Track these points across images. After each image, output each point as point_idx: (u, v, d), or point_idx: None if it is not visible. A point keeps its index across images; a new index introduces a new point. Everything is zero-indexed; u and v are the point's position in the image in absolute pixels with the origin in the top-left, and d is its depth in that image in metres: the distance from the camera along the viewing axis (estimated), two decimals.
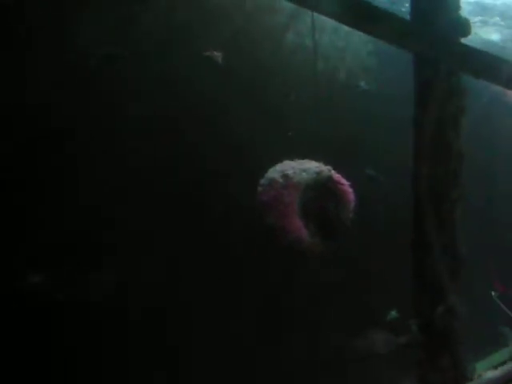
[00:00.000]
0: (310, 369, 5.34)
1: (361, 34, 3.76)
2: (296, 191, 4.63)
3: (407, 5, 3.76)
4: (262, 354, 5.13)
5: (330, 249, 4.82)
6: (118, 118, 4.64)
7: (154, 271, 4.60)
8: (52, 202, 4.29)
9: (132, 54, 4.59)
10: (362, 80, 6.80)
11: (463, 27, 3.63)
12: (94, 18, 4.51)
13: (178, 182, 4.87)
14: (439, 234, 3.52)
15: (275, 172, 4.72)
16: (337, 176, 4.88)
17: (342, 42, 6.76)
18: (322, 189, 4.80)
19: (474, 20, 7.36)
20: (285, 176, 4.65)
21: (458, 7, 3.66)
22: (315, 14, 4.75)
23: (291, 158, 4.85)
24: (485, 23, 7.78)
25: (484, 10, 7.61)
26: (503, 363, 5.89)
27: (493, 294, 7.39)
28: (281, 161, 4.82)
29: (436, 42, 3.51)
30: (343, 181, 4.91)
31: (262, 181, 4.71)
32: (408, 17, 3.62)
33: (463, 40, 3.64)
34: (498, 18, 7.92)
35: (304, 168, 4.75)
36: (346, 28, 3.49)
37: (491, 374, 5.51)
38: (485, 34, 7.70)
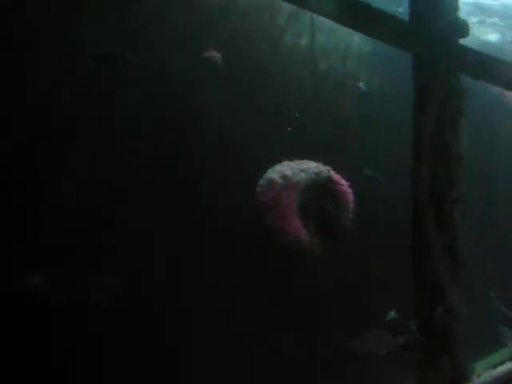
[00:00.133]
0: (309, 369, 5.35)
1: (359, 34, 3.78)
2: (295, 192, 4.64)
3: (403, 6, 3.77)
4: (261, 354, 5.13)
5: (329, 249, 4.83)
6: (118, 118, 4.64)
7: (154, 271, 4.60)
8: (52, 202, 4.29)
9: (132, 55, 4.59)
10: (361, 81, 6.81)
11: (462, 28, 3.63)
12: (93, 17, 4.51)
13: (178, 182, 4.88)
14: (439, 234, 3.52)
15: (274, 172, 4.72)
16: (336, 176, 4.89)
17: (341, 43, 6.77)
18: (321, 189, 4.81)
19: (473, 21, 7.37)
20: (284, 176, 4.65)
21: (456, 8, 3.67)
22: (314, 15, 4.77)
23: (290, 159, 4.85)
24: (483, 24, 7.79)
25: (482, 10, 7.62)
26: (503, 363, 5.89)
27: (492, 294, 7.40)
28: (280, 161, 4.82)
29: (434, 43, 3.51)
30: (342, 181, 4.91)
31: (261, 181, 4.72)
32: (406, 18, 3.62)
33: (462, 41, 3.65)
34: (496, 19, 7.93)
35: (303, 168, 4.75)
36: (344, 28, 3.48)
37: (491, 373, 5.52)
38: (482, 34, 7.71)
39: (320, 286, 5.63)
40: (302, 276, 5.54)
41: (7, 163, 4.11)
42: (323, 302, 5.60)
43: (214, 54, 5.16)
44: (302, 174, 4.71)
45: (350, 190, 4.93)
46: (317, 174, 4.78)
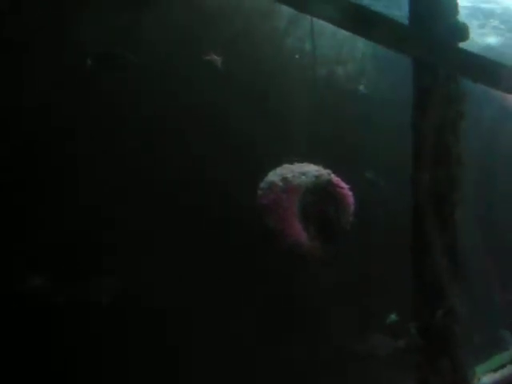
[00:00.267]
0: (309, 369, 5.35)
1: (360, 38, 3.79)
2: (296, 195, 4.65)
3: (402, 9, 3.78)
4: (261, 357, 5.14)
5: (329, 252, 4.83)
6: (118, 118, 4.65)
7: (153, 271, 4.61)
8: (52, 202, 4.29)
9: (132, 55, 4.61)
10: (361, 84, 6.82)
11: (461, 32, 3.64)
12: (94, 18, 4.53)
13: (178, 183, 4.88)
14: (439, 236, 3.53)
15: (275, 175, 4.73)
16: (336, 179, 4.90)
17: (341, 46, 6.78)
18: (321, 192, 4.82)
19: (473, 25, 7.38)
20: (284, 179, 4.67)
21: (456, 12, 3.68)
22: (314, 19, 4.79)
23: (291, 162, 4.86)
24: (483, 27, 7.80)
25: (483, 14, 7.63)
26: (503, 367, 5.89)
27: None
28: (280, 164, 4.83)
29: (434, 47, 3.52)
30: (342, 184, 4.92)
31: (262, 184, 4.73)
32: (406, 21, 3.63)
33: (461, 45, 3.66)
34: (497, 22, 7.94)
35: (303, 171, 4.77)
36: (344, 32, 3.49)
37: (491, 377, 5.52)
38: (479, 37, 7.71)
39: (320, 289, 5.63)
40: (302, 278, 5.54)
41: (7, 163, 4.12)
42: (323, 305, 5.60)
43: (215, 58, 5.18)
44: (303, 177, 4.72)
45: (350, 193, 4.94)
46: (317, 177, 4.79)
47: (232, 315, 4.94)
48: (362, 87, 6.78)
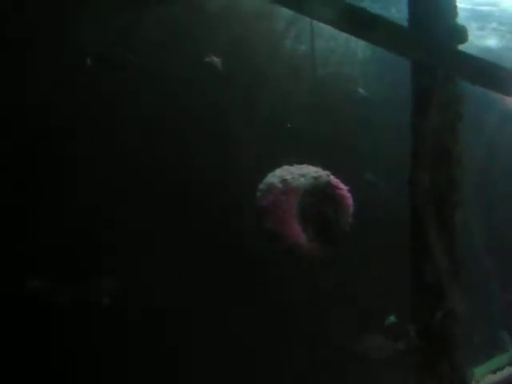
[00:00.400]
0: (309, 369, 5.35)
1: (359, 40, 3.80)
2: (295, 196, 4.65)
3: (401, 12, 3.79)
4: (262, 357, 5.14)
5: (328, 253, 4.84)
6: (118, 118, 4.66)
7: (153, 271, 4.61)
8: (52, 202, 4.30)
9: (132, 55, 4.62)
10: (361, 86, 6.84)
11: (460, 34, 3.66)
12: (94, 18, 4.54)
13: (178, 183, 4.89)
14: (439, 237, 3.53)
15: (274, 177, 4.74)
16: (335, 181, 4.90)
17: (340, 48, 6.80)
18: (320, 194, 4.82)
19: (472, 27, 7.39)
20: (283, 181, 4.67)
21: (455, 14, 3.70)
22: (313, 21, 4.79)
23: (290, 163, 4.88)
24: (482, 29, 7.82)
25: (481, 16, 7.65)
26: (502, 368, 5.90)
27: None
28: (279, 166, 4.84)
29: (433, 49, 3.54)
30: (342, 186, 4.93)
31: (261, 186, 4.74)
32: (404, 23, 3.65)
33: (460, 47, 3.68)
34: (495, 24, 7.95)
35: (302, 173, 4.77)
36: (344, 34, 3.51)
37: (490, 379, 5.52)
38: (478, 39, 7.73)
39: (319, 291, 5.64)
40: (301, 280, 5.55)
41: (7, 163, 4.13)
42: (322, 307, 5.61)
43: (215, 59, 5.20)
44: (302, 178, 4.73)
45: (349, 195, 4.95)
46: (316, 178, 4.79)
47: (232, 315, 4.94)
48: (361, 89, 6.80)
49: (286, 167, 4.85)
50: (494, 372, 5.68)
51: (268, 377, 5.04)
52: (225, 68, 5.22)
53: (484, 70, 3.68)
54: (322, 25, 3.44)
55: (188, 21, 5.22)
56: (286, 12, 5.80)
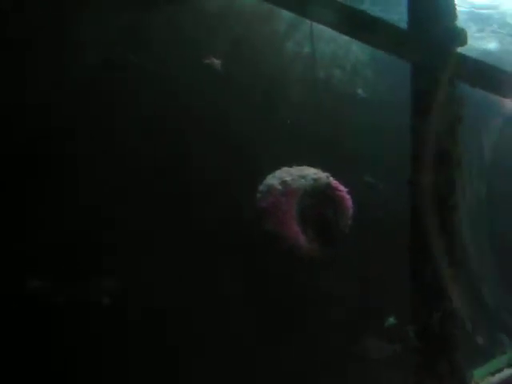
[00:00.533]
0: (309, 371, 5.36)
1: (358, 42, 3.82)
2: (294, 198, 4.68)
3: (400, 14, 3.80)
4: (262, 357, 5.15)
5: (328, 255, 4.86)
6: (118, 118, 4.67)
7: (153, 271, 4.62)
8: (52, 202, 4.31)
9: (132, 55, 4.64)
10: (360, 88, 6.86)
11: (460, 37, 3.67)
12: (94, 18, 4.55)
13: (178, 183, 4.90)
14: (439, 238, 3.54)
15: (274, 178, 4.77)
16: (335, 182, 4.93)
17: (341, 50, 6.82)
18: (320, 195, 4.85)
19: (471, 30, 7.41)
20: (283, 183, 4.70)
21: (454, 17, 3.71)
22: (313, 23, 4.82)
23: (290, 165, 4.89)
24: (481, 32, 7.83)
25: (481, 19, 7.67)
26: (500, 370, 5.89)
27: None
28: (279, 167, 4.86)
29: (433, 52, 3.55)
30: (341, 187, 4.96)
31: (261, 187, 4.77)
32: (404, 25, 3.66)
33: (460, 49, 3.69)
34: (494, 27, 7.97)
35: (302, 175, 4.80)
36: (344, 37, 3.52)
37: (489, 380, 5.52)
38: (478, 42, 7.74)
39: (318, 292, 5.65)
40: (300, 282, 5.56)
41: (7, 163, 4.14)
42: (321, 308, 5.62)
43: (214, 61, 5.21)
44: (302, 180, 4.76)
45: (348, 196, 4.98)
46: (316, 180, 4.83)
47: (232, 315, 4.95)
48: (360, 90, 6.82)
49: (285, 169, 4.88)
50: (493, 374, 5.68)
51: (268, 377, 5.04)
52: (224, 69, 5.24)
53: (483, 73, 3.69)
54: (322, 27, 3.46)
55: (188, 21, 5.24)
56: (286, 14, 5.83)
